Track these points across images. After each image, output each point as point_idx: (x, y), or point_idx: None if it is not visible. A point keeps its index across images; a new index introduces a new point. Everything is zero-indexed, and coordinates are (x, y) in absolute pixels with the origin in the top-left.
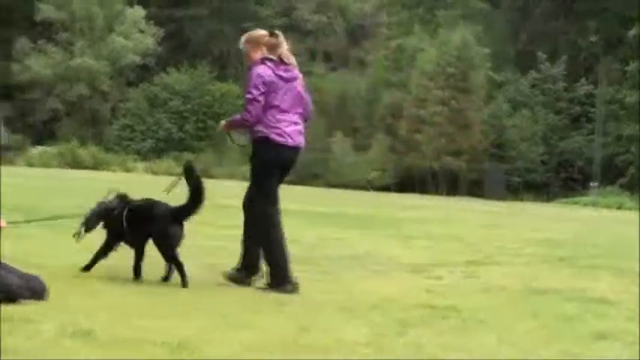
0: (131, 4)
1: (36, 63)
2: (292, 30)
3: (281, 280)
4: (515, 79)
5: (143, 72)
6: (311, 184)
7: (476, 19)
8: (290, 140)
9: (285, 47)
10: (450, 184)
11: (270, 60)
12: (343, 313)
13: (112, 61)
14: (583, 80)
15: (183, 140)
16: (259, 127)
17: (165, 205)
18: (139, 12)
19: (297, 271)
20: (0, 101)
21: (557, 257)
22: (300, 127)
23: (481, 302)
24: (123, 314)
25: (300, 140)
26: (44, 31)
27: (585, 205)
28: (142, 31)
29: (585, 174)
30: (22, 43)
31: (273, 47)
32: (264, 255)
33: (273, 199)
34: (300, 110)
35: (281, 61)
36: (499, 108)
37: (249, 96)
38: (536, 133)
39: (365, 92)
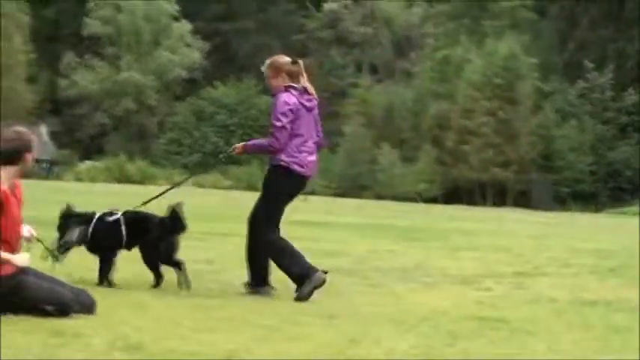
0: (177, 19)
1: (83, 78)
2: (338, 42)
3: (307, 275)
4: (562, 89)
5: (190, 86)
6: (359, 196)
7: (522, 28)
8: (308, 171)
9: (305, 76)
10: (497, 195)
11: (295, 88)
12: (393, 325)
13: (158, 76)
14: (630, 90)
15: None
16: (281, 156)
17: (156, 215)
18: (185, 26)
19: (347, 283)
20: (48, 116)
21: (607, 268)
22: (315, 158)
23: (530, 313)
24: (171, 327)
25: (314, 171)
26: (91, 45)
27: (634, 214)
28: (188, 45)
29: (634, 183)
30: (69, 58)
31: (294, 75)
32: (282, 270)
33: (277, 224)
34: (315, 139)
35: (304, 90)
36: (547, 118)
37: (278, 123)
38: (584, 143)
39: (411, 104)
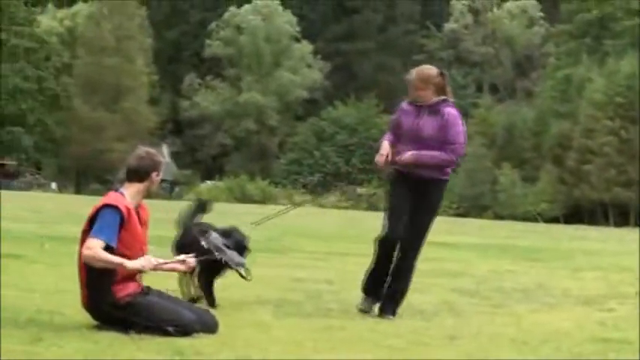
0: (298, 39)
1: (204, 99)
2: (459, 62)
3: None
4: None
5: (311, 106)
6: (479, 216)
7: None
8: None
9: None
10: (619, 215)
11: (452, 102)
12: (515, 345)
13: (279, 96)
14: None
15: (350, 174)
16: (449, 171)
17: None
18: (306, 47)
19: (468, 303)
20: (169, 137)
21: None
22: None
23: None
24: (293, 348)
25: None
26: (212, 67)
27: None
28: (309, 66)
29: None
30: (190, 79)
31: (441, 88)
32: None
33: None
34: None
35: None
36: None
37: (463, 141)
38: None
39: (532, 123)
